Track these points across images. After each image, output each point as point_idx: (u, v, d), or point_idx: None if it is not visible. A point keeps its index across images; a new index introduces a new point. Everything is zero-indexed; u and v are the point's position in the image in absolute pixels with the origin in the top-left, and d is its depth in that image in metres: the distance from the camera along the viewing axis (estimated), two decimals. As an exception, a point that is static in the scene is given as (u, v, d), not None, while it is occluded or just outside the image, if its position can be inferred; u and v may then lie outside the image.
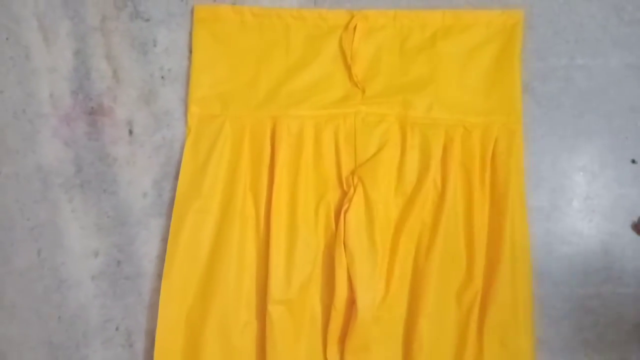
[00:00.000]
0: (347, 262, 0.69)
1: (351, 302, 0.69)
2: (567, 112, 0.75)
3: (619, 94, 0.75)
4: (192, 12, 0.76)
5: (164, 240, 0.73)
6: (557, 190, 0.74)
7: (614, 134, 0.75)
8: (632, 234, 0.73)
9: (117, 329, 0.73)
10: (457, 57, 0.75)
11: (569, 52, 0.76)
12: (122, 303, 0.74)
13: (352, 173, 0.72)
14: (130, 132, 0.76)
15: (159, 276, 0.71)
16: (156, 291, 0.71)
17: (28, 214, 0.76)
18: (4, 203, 0.76)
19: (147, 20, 0.77)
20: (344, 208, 0.70)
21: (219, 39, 0.76)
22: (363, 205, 0.71)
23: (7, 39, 0.77)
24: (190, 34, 0.76)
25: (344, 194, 0.72)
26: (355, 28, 0.75)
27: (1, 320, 0.74)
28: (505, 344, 0.69)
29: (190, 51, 0.76)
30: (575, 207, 0.74)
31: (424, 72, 0.75)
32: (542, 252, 0.73)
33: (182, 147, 0.74)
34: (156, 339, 0.69)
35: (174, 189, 0.73)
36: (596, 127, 0.75)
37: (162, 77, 0.77)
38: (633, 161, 0.75)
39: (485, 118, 0.73)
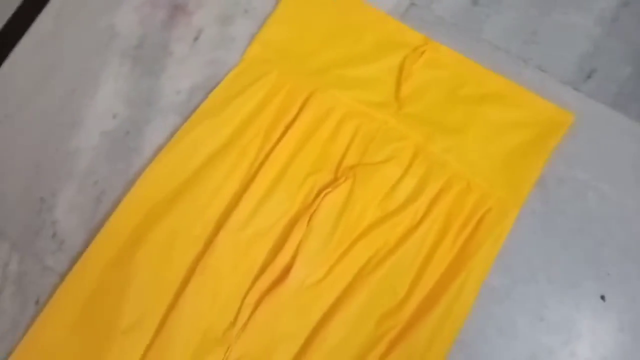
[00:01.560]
0: (302, 235, 0.73)
1: (287, 270, 0.73)
2: (565, 223, 0.77)
3: (620, 231, 0.76)
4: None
5: (171, 137, 0.79)
6: (517, 284, 0.75)
7: (597, 265, 0.75)
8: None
9: (95, 182, 0.81)
10: (496, 123, 0.78)
11: (597, 171, 0.78)
12: (112, 166, 0.81)
13: (352, 167, 0.76)
14: (196, 39, 0.84)
15: (150, 161, 0.78)
16: (139, 175, 0.78)
17: (83, 57, 0.85)
18: (69, 35, 0.85)
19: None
20: (326, 190, 0.75)
21: (309, 2, 0.83)
22: (344, 197, 0.75)
23: None
24: (289, -14, 0.83)
25: (334, 181, 0.76)
26: (423, 53, 0.80)
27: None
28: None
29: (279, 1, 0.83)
30: (524, 307, 0.75)
31: (459, 120, 0.78)
32: (475, 331, 0.74)
33: (228, 72, 0.81)
34: (113, 214, 0.76)
35: (202, 102, 0.80)
36: (583, 251, 0.76)
37: (246, 11, 0.85)
38: (602, 297, 0.75)
39: (491, 186, 0.76)
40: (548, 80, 0.82)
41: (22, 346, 0.74)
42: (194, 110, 0.80)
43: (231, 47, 0.84)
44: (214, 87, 0.81)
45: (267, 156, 0.77)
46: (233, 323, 0.72)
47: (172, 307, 0.71)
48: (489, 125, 0.78)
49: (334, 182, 0.76)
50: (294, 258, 0.73)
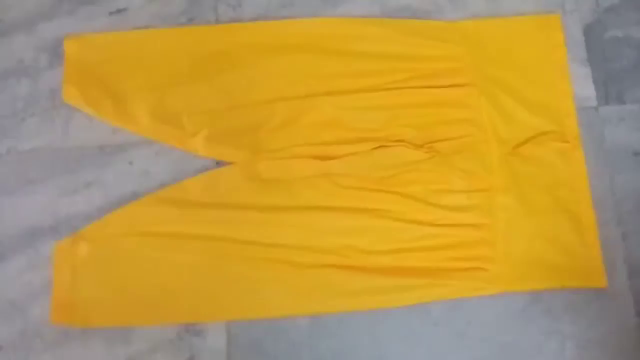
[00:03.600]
0: (360, 150, 0.86)
1: (329, 158, 0.86)
2: (506, 334, 0.84)
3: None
4: None
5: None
6: (443, 327, 0.85)
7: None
8: None
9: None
10: (554, 235, 0.85)
11: (580, 338, 0.84)
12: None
13: (438, 151, 0.86)
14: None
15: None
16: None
17: None
18: None
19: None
20: (406, 143, 0.86)
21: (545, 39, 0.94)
22: (411, 160, 0.86)
23: None
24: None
25: (418, 146, 0.86)
26: (565, 142, 0.88)
27: None
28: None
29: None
30: (435, 342, 0.85)
31: (534, 204, 0.86)
32: (392, 324, 0.85)
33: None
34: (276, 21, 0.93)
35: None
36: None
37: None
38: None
39: (502, 259, 0.84)
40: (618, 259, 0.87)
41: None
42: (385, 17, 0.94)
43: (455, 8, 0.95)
44: (413, 17, 0.94)
45: (398, 86, 0.89)
46: (272, 150, 0.87)
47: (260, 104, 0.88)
48: (550, 232, 0.85)
49: (417, 146, 0.86)
50: (340, 158, 0.85)
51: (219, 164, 0.89)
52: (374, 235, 0.84)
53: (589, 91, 0.92)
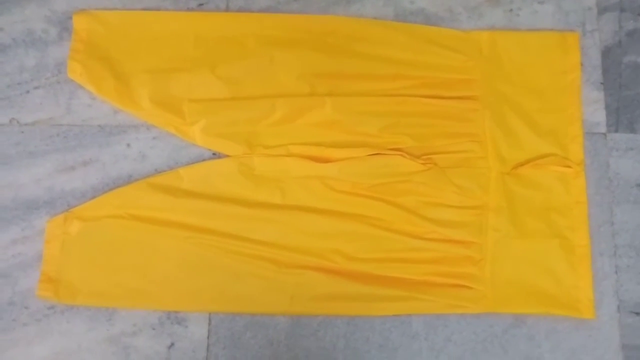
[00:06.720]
0: (360, 154, 0.85)
1: (328, 161, 0.85)
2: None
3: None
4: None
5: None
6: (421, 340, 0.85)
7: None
8: None
9: None
10: (546, 265, 0.84)
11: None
12: None
13: (436, 163, 0.85)
14: None
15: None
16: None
17: None
18: None
19: None
20: (403, 153, 0.85)
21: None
22: (407, 169, 0.85)
23: None
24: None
25: (417, 155, 0.85)
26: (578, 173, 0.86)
27: None
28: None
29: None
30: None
31: (527, 228, 0.85)
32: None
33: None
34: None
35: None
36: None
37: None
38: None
39: (490, 281, 0.83)
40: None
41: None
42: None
43: (470, 17, 0.92)
44: (426, 23, 0.92)
45: (402, 93, 0.87)
46: (268, 146, 0.86)
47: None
48: (540, 257, 0.84)
49: (414, 156, 0.85)
50: (336, 161, 0.85)
51: (215, 154, 0.89)
52: (360, 242, 0.83)
53: (599, 116, 0.89)
